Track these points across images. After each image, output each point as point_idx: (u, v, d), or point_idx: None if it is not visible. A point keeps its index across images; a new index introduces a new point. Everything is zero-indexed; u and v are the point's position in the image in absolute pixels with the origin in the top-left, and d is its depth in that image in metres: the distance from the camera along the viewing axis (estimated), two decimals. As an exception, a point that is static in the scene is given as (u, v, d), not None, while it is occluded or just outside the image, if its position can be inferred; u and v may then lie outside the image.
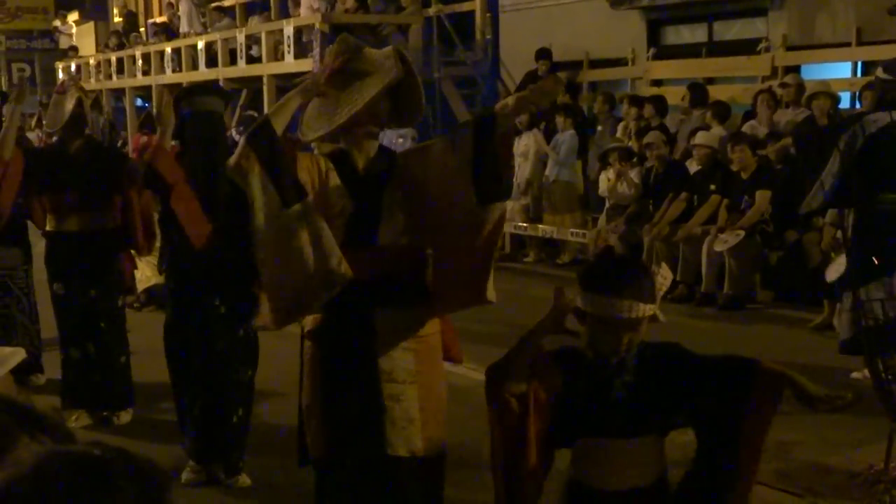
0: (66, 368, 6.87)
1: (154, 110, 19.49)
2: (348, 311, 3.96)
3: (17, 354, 1.99)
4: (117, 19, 29.05)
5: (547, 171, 13.13)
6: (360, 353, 3.98)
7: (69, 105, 6.65)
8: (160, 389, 6.81)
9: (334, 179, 3.95)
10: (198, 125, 5.69)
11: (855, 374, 7.48)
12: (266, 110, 17.46)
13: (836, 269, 8.81)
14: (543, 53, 14.94)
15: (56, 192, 6.69)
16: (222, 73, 18.79)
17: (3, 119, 7.08)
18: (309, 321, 4.08)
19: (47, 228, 6.81)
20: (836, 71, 12.92)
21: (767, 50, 13.17)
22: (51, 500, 1.40)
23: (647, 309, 3.18)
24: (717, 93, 12.92)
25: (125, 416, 6.87)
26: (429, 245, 4.08)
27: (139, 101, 23.08)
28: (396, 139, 14.64)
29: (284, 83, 17.60)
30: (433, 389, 4.10)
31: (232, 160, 3.82)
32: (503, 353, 3.34)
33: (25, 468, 1.44)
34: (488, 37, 16.93)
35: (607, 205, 12.09)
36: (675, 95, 13.26)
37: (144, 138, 12.12)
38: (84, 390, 6.78)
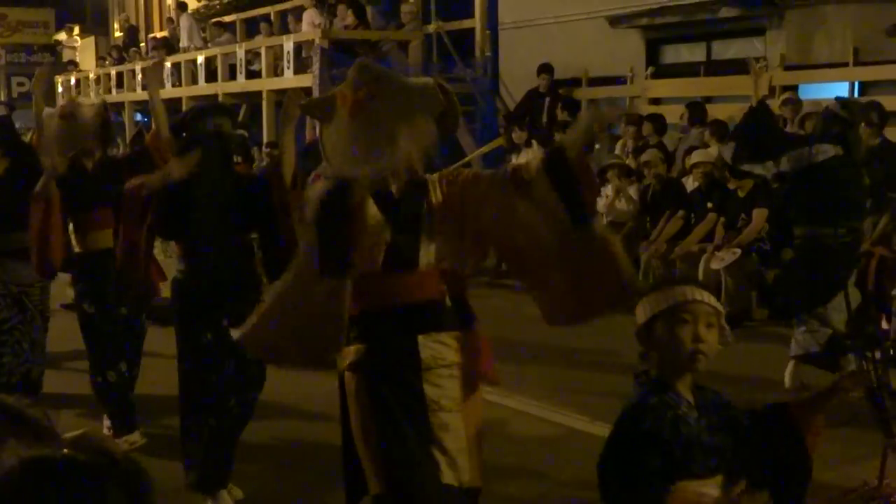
0: (107, 392, 6.74)
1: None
2: (391, 339, 3.91)
3: None
4: (118, 34, 29.13)
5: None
6: (406, 383, 3.89)
7: (89, 120, 6.60)
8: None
9: (371, 206, 3.88)
10: (208, 146, 5.50)
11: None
12: (265, 125, 17.53)
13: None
14: (545, 69, 14.99)
15: (82, 210, 6.62)
16: (222, 87, 18.85)
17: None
18: (350, 353, 3.97)
19: (77, 249, 6.75)
20: (833, 91, 12.96)
21: (765, 69, 13.21)
22: (35, 501, 1.41)
23: (712, 299, 3.16)
24: (715, 111, 12.96)
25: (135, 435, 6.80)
26: (515, 266, 4.14)
27: (138, 116, 23.11)
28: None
29: (284, 98, 17.67)
30: (475, 418, 4.03)
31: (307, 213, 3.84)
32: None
33: (9, 471, 1.45)
34: (488, 54, 17.00)
35: (604, 222, 12.10)
36: (674, 114, 13.31)
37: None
38: (129, 411, 6.75)
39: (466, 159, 15.51)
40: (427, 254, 3.91)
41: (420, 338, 3.89)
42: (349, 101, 3.84)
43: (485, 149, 13.69)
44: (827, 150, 7.61)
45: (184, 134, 5.77)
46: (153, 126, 6.77)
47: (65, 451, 1.51)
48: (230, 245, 5.54)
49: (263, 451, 6.42)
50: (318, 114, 4.02)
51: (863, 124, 7.82)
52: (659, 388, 3.14)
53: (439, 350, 3.92)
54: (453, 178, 3.99)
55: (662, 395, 3.12)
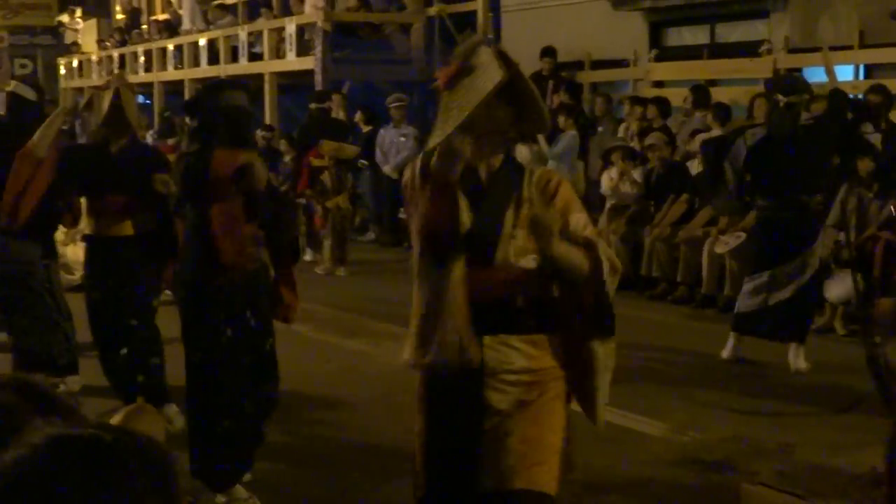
0: (110, 374, 6.75)
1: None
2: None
3: None
4: (120, 16, 29.04)
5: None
6: (466, 386, 3.67)
7: (106, 101, 6.49)
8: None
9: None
10: (226, 121, 5.30)
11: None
12: (267, 107, 17.49)
13: (837, 285, 8.87)
14: (548, 52, 14.94)
15: (97, 194, 6.52)
16: (224, 70, 18.79)
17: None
18: (420, 352, 3.78)
19: (87, 232, 6.71)
20: (838, 74, 12.90)
21: (769, 52, 13.16)
22: (60, 482, 1.40)
23: None
24: (718, 95, 12.92)
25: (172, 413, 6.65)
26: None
27: (140, 98, 23.08)
28: (399, 137, 14.66)
29: (286, 81, 17.63)
30: (543, 425, 3.73)
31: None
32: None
33: (35, 449, 1.44)
34: (490, 36, 16.92)
35: (608, 205, 12.08)
36: (677, 97, 13.26)
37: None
38: (127, 390, 6.57)
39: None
40: (505, 249, 3.67)
41: (486, 339, 3.65)
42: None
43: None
44: (758, 132, 8.15)
45: (199, 112, 5.62)
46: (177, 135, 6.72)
47: (91, 430, 1.49)
48: (247, 231, 5.34)
49: (292, 450, 6.33)
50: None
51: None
52: None
53: (507, 354, 3.67)
54: (549, 187, 3.72)
55: None
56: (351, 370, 8.27)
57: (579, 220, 3.68)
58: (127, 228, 6.44)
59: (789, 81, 9.00)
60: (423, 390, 3.84)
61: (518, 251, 3.66)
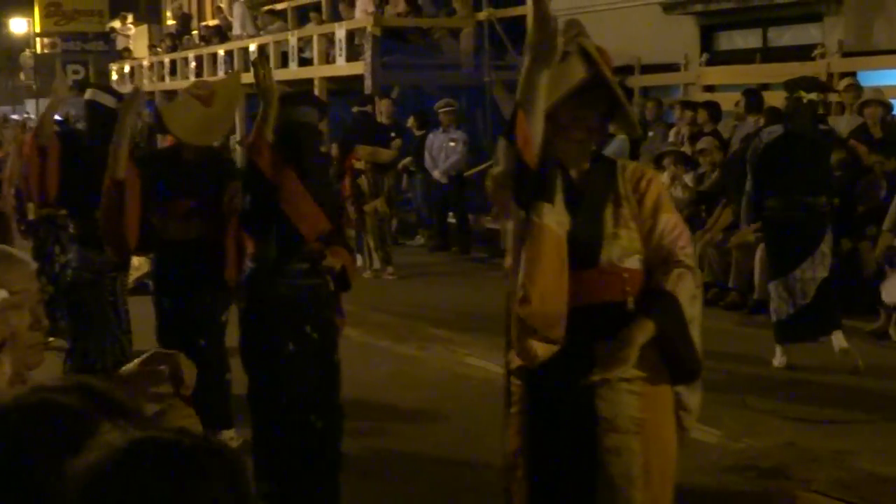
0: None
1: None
2: (564, 345, 3.41)
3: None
4: (170, 22, 29.30)
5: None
6: (576, 396, 3.46)
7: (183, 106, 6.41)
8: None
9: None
10: (289, 137, 5.15)
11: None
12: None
13: (893, 288, 8.80)
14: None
15: (167, 198, 6.34)
16: (274, 75, 18.84)
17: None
18: (516, 357, 3.56)
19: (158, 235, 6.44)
20: (893, 77, 12.77)
21: (823, 56, 13.03)
22: (141, 484, 1.41)
23: None
24: (771, 99, 12.80)
25: (227, 438, 6.31)
26: None
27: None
28: (448, 142, 14.66)
29: (335, 86, 17.69)
30: (661, 443, 3.56)
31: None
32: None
33: (116, 450, 1.45)
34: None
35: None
36: (728, 101, 13.16)
37: None
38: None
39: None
40: (609, 250, 3.51)
41: (599, 344, 3.43)
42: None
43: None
44: (774, 131, 8.27)
45: None
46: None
47: (170, 434, 1.50)
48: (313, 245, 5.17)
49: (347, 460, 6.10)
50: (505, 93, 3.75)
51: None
52: None
53: None
54: (641, 185, 3.58)
55: None
56: (401, 375, 8.28)
57: (668, 221, 3.55)
58: (194, 233, 6.29)
59: (810, 79, 9.13)
60: (523, 404, 3.60)
61: (622, 251, 3.51)
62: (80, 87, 8.32)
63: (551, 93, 3.32)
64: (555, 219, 3.31)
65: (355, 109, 14.25)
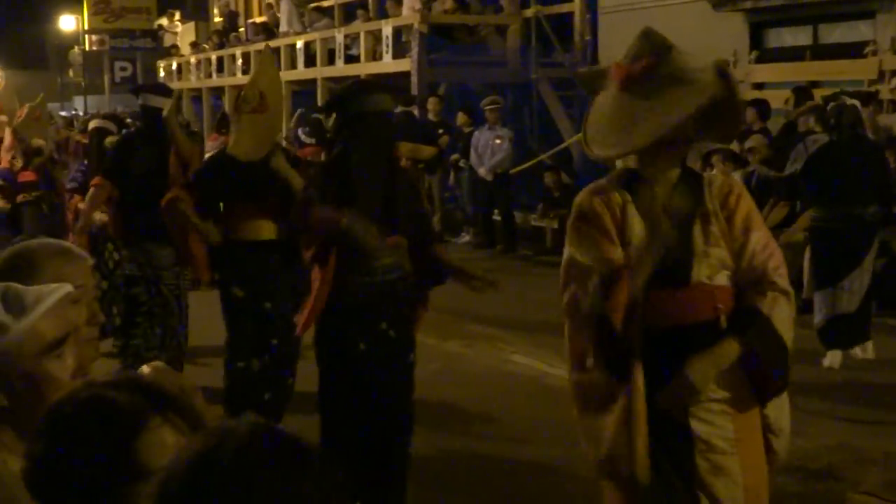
0: (238, 384, 6.37)
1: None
2: (654, 365, 3.37)
3: (61, 288, 2.03)
4: (217, 19, 29.46)
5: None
6: (670, 417, 3.38)
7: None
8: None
9: (632, 215, 3.42)
10: (367, 127, 4.89)
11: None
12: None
13: None
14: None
15: (232, 199, 6.34)
16: (320, 72, 18.94)
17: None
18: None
19: (231, 235, 6.39)
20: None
21: (874, 53, 12.89)
22: (255, 475, 1.42)
23: None
24: (821, 97, 12.69)
25: None
26: None
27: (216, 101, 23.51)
28: (493, 139, 14.63)
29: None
30: (756, 463, 3.50)
31: None
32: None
33: (230, 441, 1.45)
34: (587, 38, 16.85)
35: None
36: (777, 99, 13.04)
37: (222, 138, 11.73)
38: (248, 406, 5.92)
39: (564, 145, 15.42)
40: (699, 268, 3.42)
41: (694, 363, 3.34)
42: (623, 71, 3.38)
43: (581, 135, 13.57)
44: (819, 139, 8.21)
45: (338, 113, 5.13)
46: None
47: (281, 428, 1.51)
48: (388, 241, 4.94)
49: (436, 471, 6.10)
50: (589, 86, 3.56)
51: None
52: None
53: (713, 380, 3.40)
54: (729, 200, 3.47)
55: None
56: (447, 372, 8.26)
57: (759, 239, 3.46)
58: (260, 233, 6.24)
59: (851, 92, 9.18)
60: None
61: (712, 269, 3.42)
62: (134, 90, 8.31)
63: (662, 122, 3.25)
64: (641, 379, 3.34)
65: (399, 110, 14.25)
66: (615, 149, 3.35)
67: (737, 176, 11.57)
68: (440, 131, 14.08)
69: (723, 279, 3.44)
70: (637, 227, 3.42)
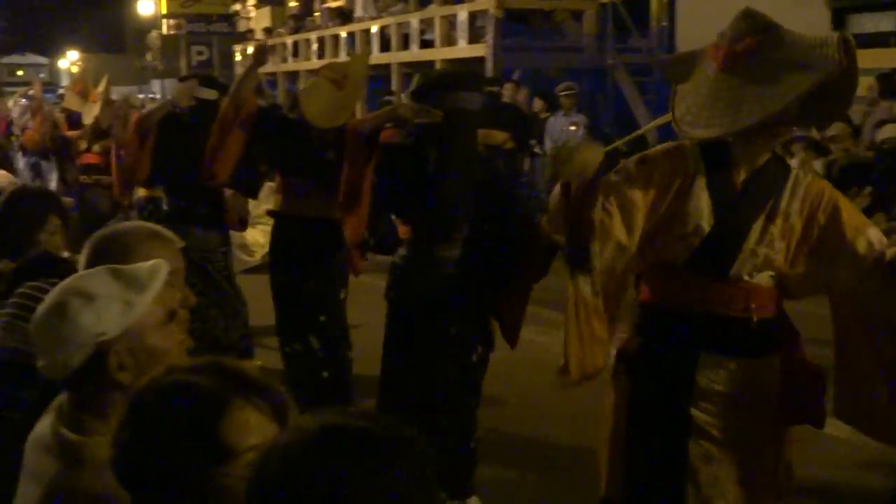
0: (294, 365, 6.37)
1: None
2: (669, 347, 3.41)
3: (164, 264, 2.02)
4: (293, 3, 29.59)
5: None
6: (673, 400, 3.41)
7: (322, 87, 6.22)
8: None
9: (699, 189, 3.34)
10: (450, 127, 4.80)
11: None
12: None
13: None
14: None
15: (289, 171, 6.35)
16: (395, 57, 18.94)
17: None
18: (624, 339, 3.57)
19: (275, 209, 6.48)
20: None
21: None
22: (332, 468, 1.43)
23: None
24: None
25: None
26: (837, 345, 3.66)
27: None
28: (568, 126, 14.53)
29: (456, 68, 17.67)
30: (759, 458, 3.48)
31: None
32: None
33: (310, 434, 1.47)
34: (664, 23, 16.68)
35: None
36: (861, 86, 12.80)
37: None
38: (308, 386, 6.20)
39: (640, 132, 15.25)
40: (741, 265, 3.35)
41: (702, 356, 3.39)
42: (723, 52, 3.25)
43: (659, 121, 13.41)
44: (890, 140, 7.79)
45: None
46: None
47: (363, 421, 1.51)
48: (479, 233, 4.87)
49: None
50: (675, 72, 3.42)
51: None
52: None
53: (721, 376, 3.40)
54: (824, 204, 3.38)
55: None
56: (521, 359, 8.20)
57: (874, 234, 3.40)
58: (316, 210, 6.20)
59: None
60: (624, 389, 3.57)
61: (754, 267, 3.35)
62: (182, 79, 8.29)
63: (770, 102, 3.12)
64: (589, 290, 3.31)
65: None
66: (719, 129, 3.19)
67: (818, 164, 11.39)
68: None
69: (763, 278, 3.37)
70: (700, 202, 3.33)
